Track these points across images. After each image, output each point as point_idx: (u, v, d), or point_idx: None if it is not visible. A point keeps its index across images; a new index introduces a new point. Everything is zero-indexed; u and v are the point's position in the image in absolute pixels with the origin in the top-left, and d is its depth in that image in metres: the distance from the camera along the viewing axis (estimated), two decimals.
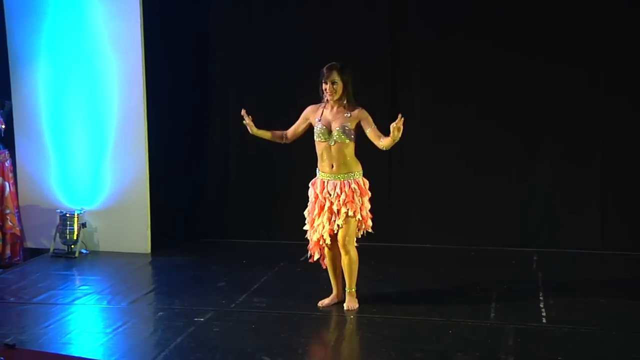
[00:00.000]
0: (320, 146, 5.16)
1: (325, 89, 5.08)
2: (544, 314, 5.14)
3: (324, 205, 5.14)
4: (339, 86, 5.06)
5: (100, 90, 6.86)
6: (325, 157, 5.15)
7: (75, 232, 6.82)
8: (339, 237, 5.13)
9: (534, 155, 6.92)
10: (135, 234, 6.90)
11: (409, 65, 7.02)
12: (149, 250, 6.91)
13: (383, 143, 4.96)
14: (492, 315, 5.15)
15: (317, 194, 5.18)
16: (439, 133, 6.99)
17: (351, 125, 5.07)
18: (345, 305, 5.25)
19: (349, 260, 5.16)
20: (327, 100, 5.13)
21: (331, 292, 5.38)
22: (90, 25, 6.80)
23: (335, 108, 5.12)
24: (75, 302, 5.53)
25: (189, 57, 7.38)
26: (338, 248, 5.19)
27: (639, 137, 6.72)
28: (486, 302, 5.37)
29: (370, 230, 5.23)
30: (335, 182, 5.13)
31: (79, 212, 6.87)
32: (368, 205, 5.19)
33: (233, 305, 5.39)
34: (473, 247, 6.88)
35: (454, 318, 5.03)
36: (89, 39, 6.82)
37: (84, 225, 6.87)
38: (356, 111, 5.09)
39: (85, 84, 6.87)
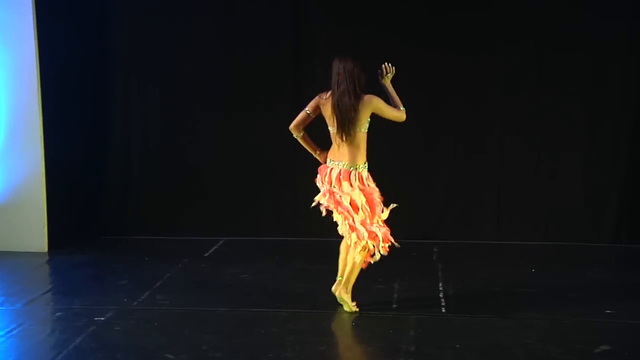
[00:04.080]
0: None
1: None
2: (443, 303, 5.30)
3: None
4: None
5: None
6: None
7: None
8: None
9: (433, 148, 7.10)
10: (32, 232, 6.67)
11: (311, 65, 7.04)
12: (46, 249, 6.69)
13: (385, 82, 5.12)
14: (394, 306, 5.26)
15: (363, 189, 5.02)
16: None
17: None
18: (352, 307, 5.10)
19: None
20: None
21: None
22: None
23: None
24: None
25: (87, 48, 7.17)
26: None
27: (535, 130, 6.98)
28: (388, 294, 5.49)
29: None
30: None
31: None
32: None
33: (135, 303, 5.29)
34: None
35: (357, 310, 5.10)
36: None
37: None
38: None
39: None
